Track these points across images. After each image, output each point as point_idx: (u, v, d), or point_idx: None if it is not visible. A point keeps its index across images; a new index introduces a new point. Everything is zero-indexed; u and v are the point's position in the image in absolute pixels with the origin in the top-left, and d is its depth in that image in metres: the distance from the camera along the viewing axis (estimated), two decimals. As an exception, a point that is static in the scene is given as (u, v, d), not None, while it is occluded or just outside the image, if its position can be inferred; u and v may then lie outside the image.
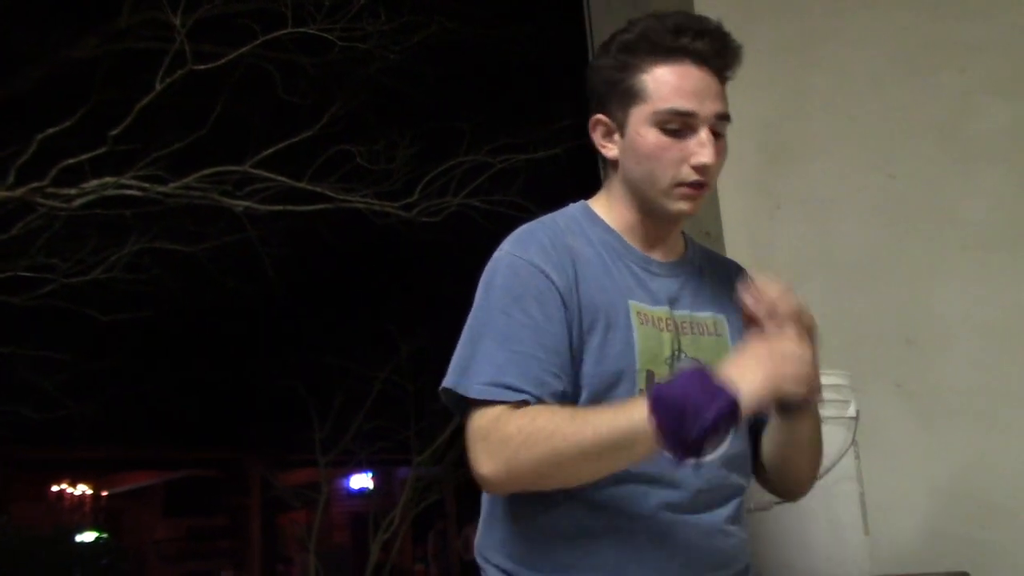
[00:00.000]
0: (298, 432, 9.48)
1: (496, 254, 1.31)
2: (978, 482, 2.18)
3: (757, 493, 1.78)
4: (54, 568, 9.52)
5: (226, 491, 16.80)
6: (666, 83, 1.28)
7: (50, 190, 5.92)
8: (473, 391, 1.20)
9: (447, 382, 1.24)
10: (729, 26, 1.34)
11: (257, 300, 8.66)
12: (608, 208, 1.39)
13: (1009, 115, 2.27)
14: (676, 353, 1.31)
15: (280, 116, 6.71)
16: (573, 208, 1.41)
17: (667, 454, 1.09)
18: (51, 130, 5.70)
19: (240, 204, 6.43)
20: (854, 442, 1.82)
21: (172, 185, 6.24)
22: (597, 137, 1.37)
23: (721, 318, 1.39)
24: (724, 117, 1.31)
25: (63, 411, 8.16)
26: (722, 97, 1.32)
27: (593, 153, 1.44)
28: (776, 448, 1.39)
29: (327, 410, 9.13)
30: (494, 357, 1.21)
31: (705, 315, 1.38)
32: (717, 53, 1.30)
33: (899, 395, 2.32)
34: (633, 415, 1.10)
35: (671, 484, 1.26)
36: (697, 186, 1.30)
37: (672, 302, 1.34)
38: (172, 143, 6.13)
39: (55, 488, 16.14)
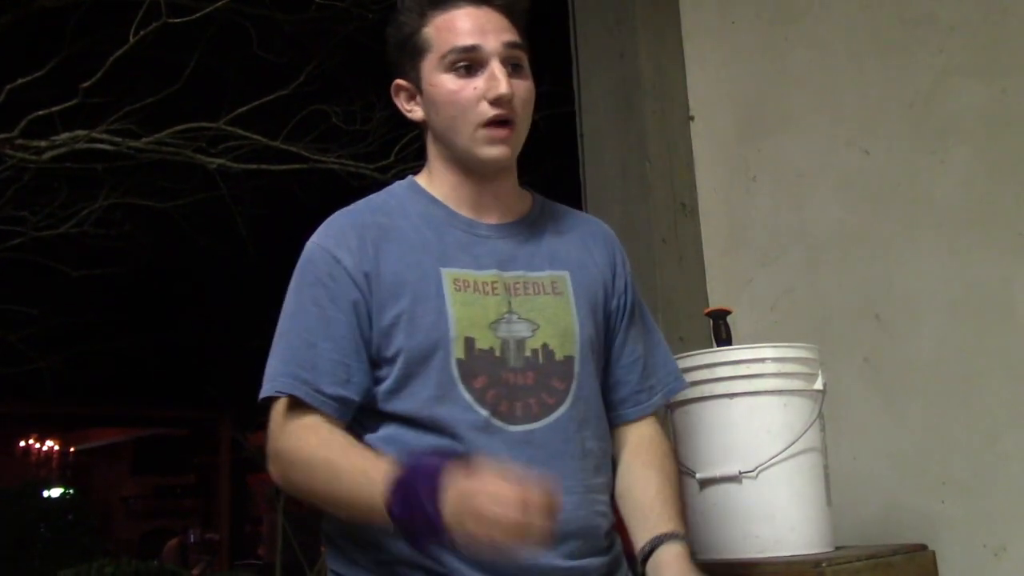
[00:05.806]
0: (269, 392, 9.44)
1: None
2: (939, 457, 2.22)
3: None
4: (20, 523, 9.47)
5: (195, 450, 16.80)
6: (445, 27, 1.29)
7: (19, 141, 5.81)
8: (264, 391, 1.26)
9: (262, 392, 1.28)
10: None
11: (230, 259, 8.58)
12: (430, 178, 1.38)
13: (984, 95, 2.28)
14: (507, 316, 1.29)
15: (256, 73, 6.60)
16: (397, 185, 1.41)
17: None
18: (21, 80, 5.58)
19: (214, 161, 6.36)
20: (820, 415, 1.85)
21: (145, 140, 6.15)
22: (401, 103, 1.37)
23: (563, 275, 1.36)
24: (515, 46, 1.29)
25: (31, 366, 8.08)
26: (511, 29, 1.30)
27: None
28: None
29: (298, 371, 9.10)
30: (283, 352, 1.26)
31: (542, 274, 1.35)
32: None
33: (866, 369, 2.35)
34: (374, 492, 1.10)
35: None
36: (501, 123, 1.28)
37: (502, 264, 1.32)
38: (145, 97, 6.03)
39: (22, 443, 16.06)
